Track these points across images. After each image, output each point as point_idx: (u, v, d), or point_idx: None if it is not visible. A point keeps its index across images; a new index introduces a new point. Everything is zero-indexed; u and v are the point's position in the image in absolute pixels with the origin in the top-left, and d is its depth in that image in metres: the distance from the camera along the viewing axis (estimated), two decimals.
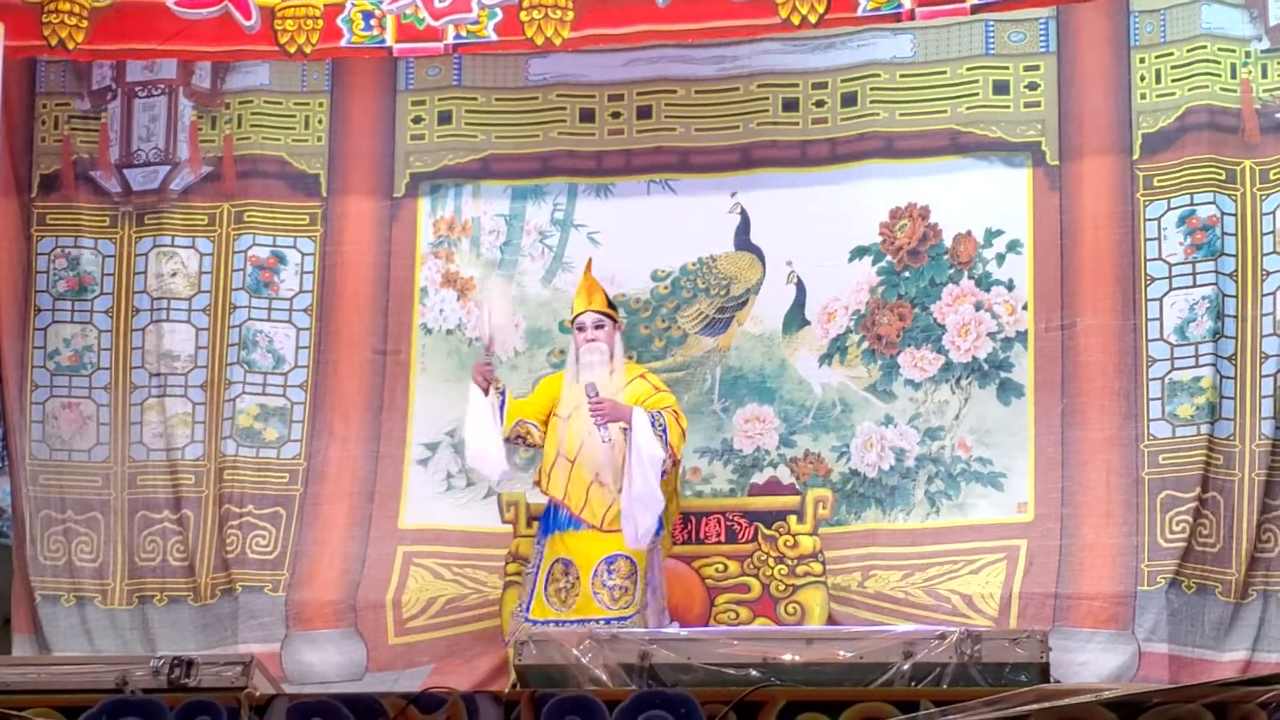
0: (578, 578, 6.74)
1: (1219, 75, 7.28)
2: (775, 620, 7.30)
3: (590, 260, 7.27)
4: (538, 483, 7.01)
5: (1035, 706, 4.72)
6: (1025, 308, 7.46)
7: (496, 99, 8.02)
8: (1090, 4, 7.38)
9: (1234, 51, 7.28)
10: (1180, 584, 6.95)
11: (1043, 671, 5.01)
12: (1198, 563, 7.00)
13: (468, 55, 7.86)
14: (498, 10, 7.06)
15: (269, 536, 7.69)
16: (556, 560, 6.80)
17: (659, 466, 6.68)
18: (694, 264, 7.85)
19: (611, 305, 7.13)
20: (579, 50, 7.47)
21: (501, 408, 6.93)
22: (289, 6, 7.15)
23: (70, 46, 7.19)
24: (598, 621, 6.55)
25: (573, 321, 7.11)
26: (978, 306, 7.53)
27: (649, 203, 7.90)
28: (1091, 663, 6.91)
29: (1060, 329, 7.37)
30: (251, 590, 7.57)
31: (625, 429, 6.75)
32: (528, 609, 6.81)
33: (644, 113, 7.94)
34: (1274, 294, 7.11)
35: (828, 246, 7.70)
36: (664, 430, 6.76)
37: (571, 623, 6.60)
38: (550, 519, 6.91)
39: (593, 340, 6.98)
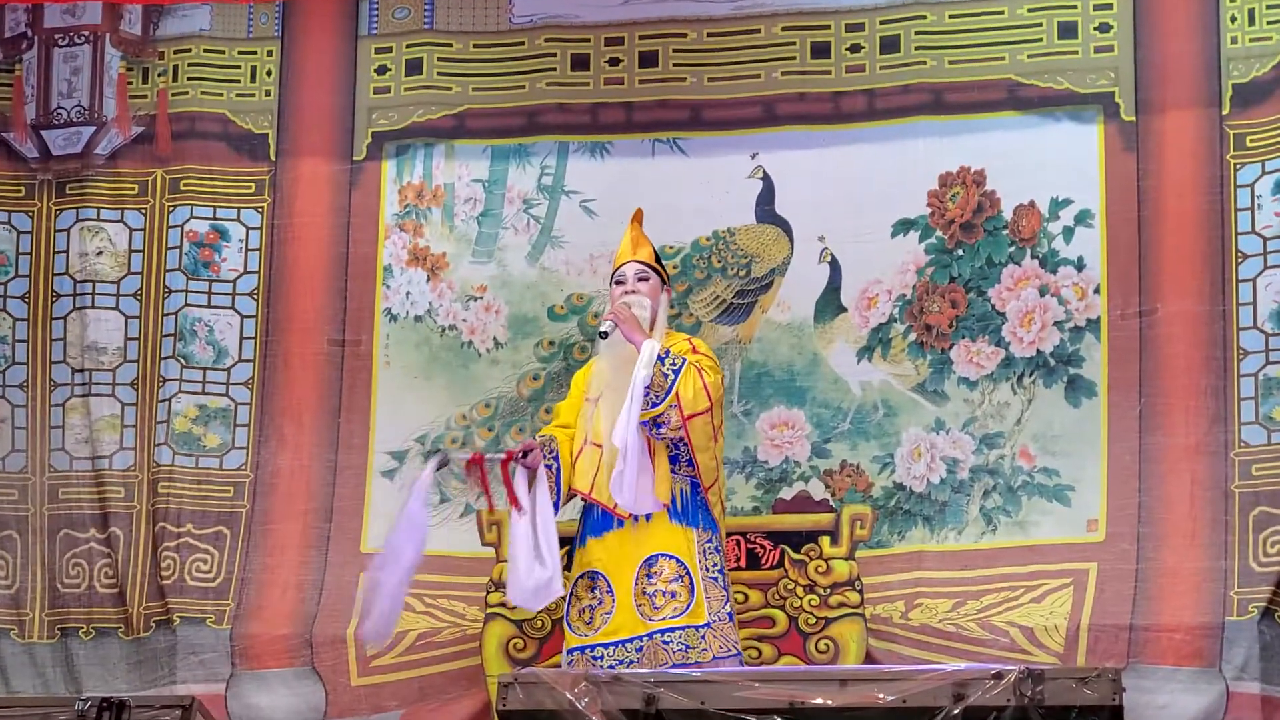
0: (608, 590, 6.69)
1: None
2: (804, 658, 7.38)
3: (639, 210, 7.23)
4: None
5: None
6: (1097, 291, 7.57)
7: (474, 44, 8.13)
8: None
9: None
10: (1275, 614, 7.03)
11: (1116, 715, 5.13)
12: None
13: None
14: None
15: (211, 560, 7.81)
16: (582, 574, 6.78)
17: (640, 392, 6.57)
18: (708, 239, 7.97)
19: (660, 263, 7.10)
20: None
21: (557, 481, 6.81)
22: None
23: None
24: (645, 639, 6.56)
25: (612, 277, 7.08)
26: (1042, 291, 7.65)
27: (654, 165, 8.01)
28: (1172, 705, 7.00)
29: (1138, 316, 7.47)
30: (191, 622, 7.68)
31: None
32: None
33: (648, 59, 8.05)
34: None
35: (866, 219, 7.80)
36: (675, 370, 6.65)
37: (592, 648, 6.63)
38: (584, 524, 6.87)
39: (633, 293, 6.93)
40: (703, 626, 6.63)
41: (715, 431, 6.83)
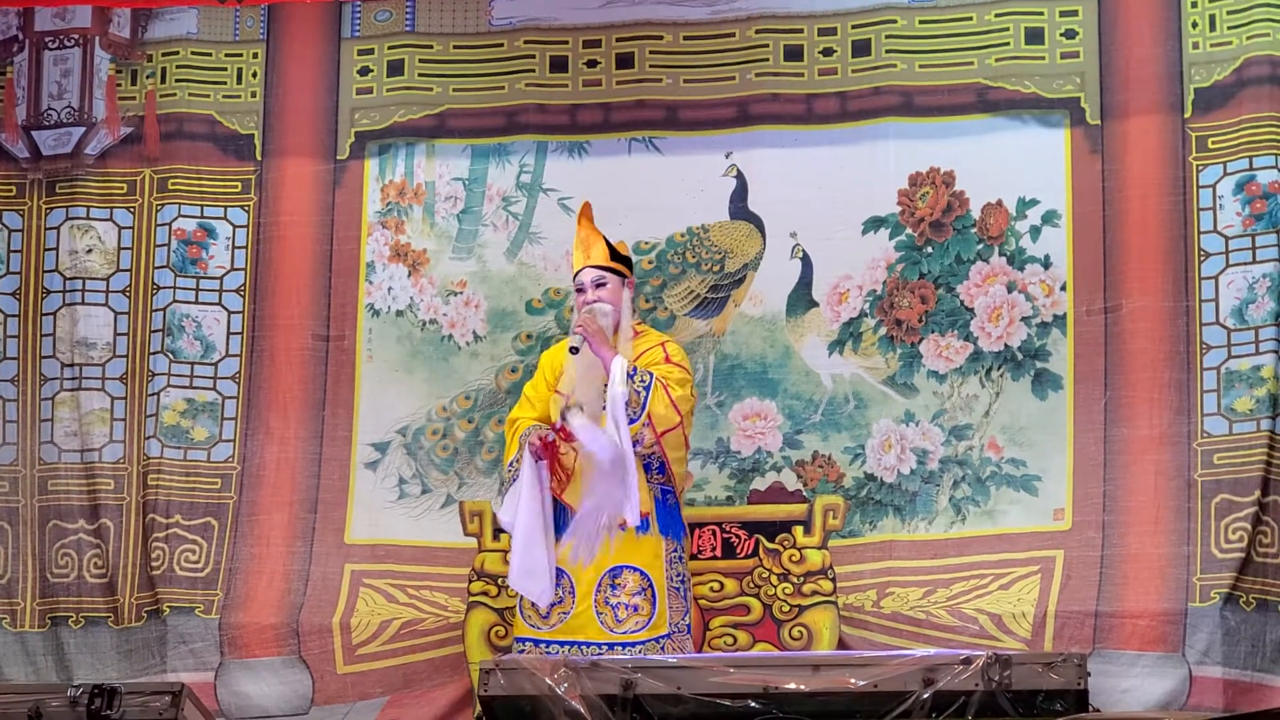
0: (570, 591, 6.68)
1: None
2: (778, 645, 7.42)
3: (586, 204, 7.21)
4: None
5: None
6: (1064, 288, 7.63)
7: (455, 46, 8.17)
8: None
9: None
10: (1237, 600, 7.09)
11: (1081, 699, 5.12)
12: (1258, 575, 7.14)
13: None
14: None
15: (199, 551, 7.84)
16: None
17: (623, 412, 6.57)
18: (683, 235, 8.01)
19: (619, 257, 7.04)
20: None
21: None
22: None
23: None
24: (596, 647, 6.57)
25: (574, 281, 7.08)
26: (1010, 287, 7.70)
27: (630, 164, 8.05)
28: (1136, 689, 7.06)
29: (1103, 312, 7.54)
30: (180, 612, 7.73)
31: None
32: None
33: (625, 61, 8.08)
34: None
35: (838, 216, 7.84)
36: (645, 387, 6.66)
37: (547, 643, 6.65)
38: (557, 521, 6.83)
39: (594, 302, 6.91)
40: (663, 638, 6.65)
41: (686, 440, 6.86)
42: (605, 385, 6.70)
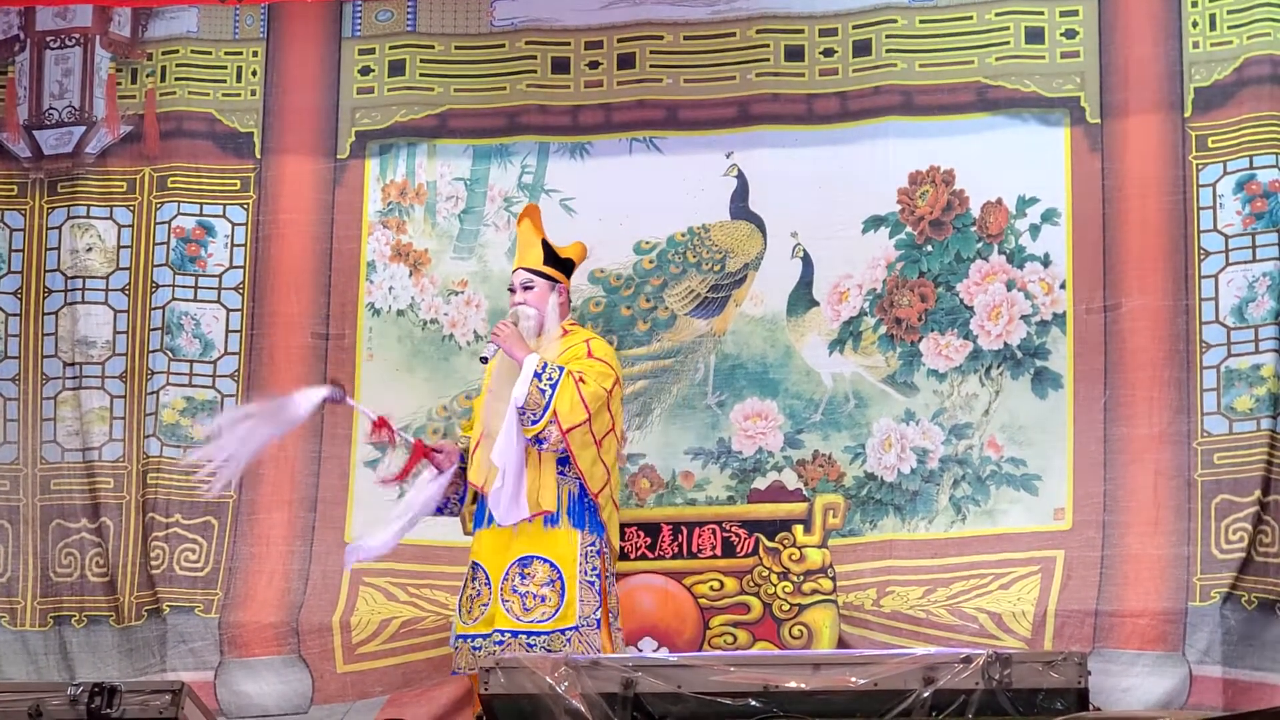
0: (486, 583, 6.69)
1: None
2: (778, 644, 7.44)
3: (528, 206, 7.23)
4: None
5: None
6: (1063, 287, 7.62)
7: (456, 46, 8.17)
8: None
9: None
10: (1238, 599, 7.09)
11: (1081, 698, 5.13)
12: (1258, 575, 7.14)
13: None
14: None
15: (199, 550, 7.84)
16: (470, 565, 6.78)
17: (513, 413, 6.56)
18: (684, 234, 8.01)
19: (556, 261, 6.96)
20: None
21: (463, 490, 6.87)
22: None
23: None
24: (508, 635, 6.56)
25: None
26: (1010, 285, 7.69)
27: (631, 164, 8.05)
28: (1136, 688, 7.06)
29: (1103, 311, 7.54)
30: (180, 611, 7.73)
31: None
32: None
33: (626, 61, 8.09)
34: None
35: (838, 215, 7.84)
36: (552, 385, 6.63)
37: (480, 636, 6.63)
38: (476, 515, 6.85)
39: (520, 304, 6.88)
40: (569, 629, 6.61)
41: (597, 440, 6.74)
42: None
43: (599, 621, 6.72)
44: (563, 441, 6.65)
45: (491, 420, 6.71)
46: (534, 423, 6.62)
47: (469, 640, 6.68)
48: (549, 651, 6.51)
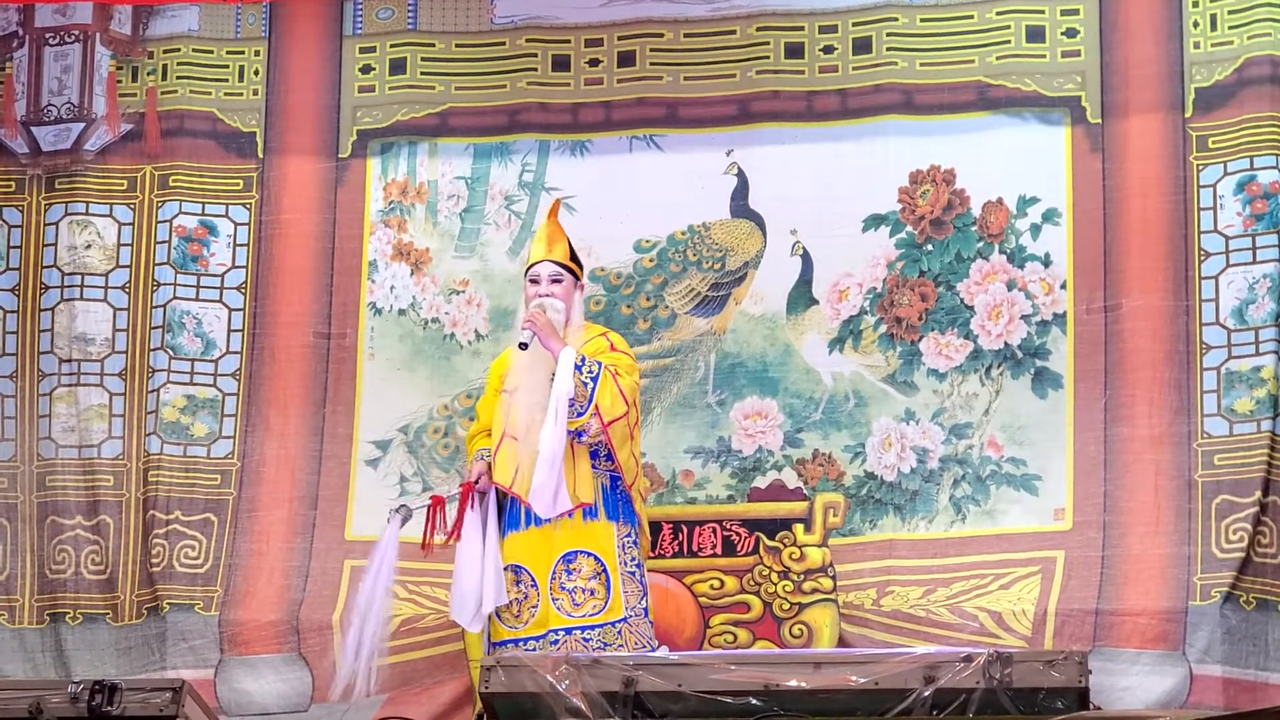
0: (533, 584, 6.71)
1: None
2: (778, 643, 7.43)
3: (557, 202, 7.32)
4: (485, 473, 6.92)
5: None
6: (1064, 287, 7.61)
7: (457, 44, 8.17)
8: None
9: None
10: (1237, 599, 7.09)
11: (1081, 697, 5.14)
12: (1257, 575, 7.13)
13: None
14: None
15: (199, 547, 7.82)
16: (508, 567, 6.76)
17: (564, 406, 6.60)
18: (684, 233, 8.00)
19: (576, 260, 7.08)
20: None
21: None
22: None
23: None
24: (562, 633, 6.59)
25: (526, 273, 7.08)
26: (1010, 285, 7.68)
27: (632, 162, 8.04)
28: (1137, 687, 7.05)
29: (1103, 311, 7.53)
30: (180, 608, 7.70)
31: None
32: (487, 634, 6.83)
33: (626, 59, 8.08)
34: None
35: (838, 214, 7.83)
36: (593, 378, 6.69)
37: (533, 639, 6.65)
38: (505, 517, 6.85)
39: (547, 295, 6.91)
40: (619, 622, 6.66)
41: (631, 430, 6.85)
42: (552, 377, 6.73)
43: (645, 610, 6.77)
44: (603, 434, 6.71)
45: (518, 416, 6.74)
46: (578, 415, 6.66)
47: (521, 645, 6.67)
48: (605, 645, 6.56)
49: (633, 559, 6.78)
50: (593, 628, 6.62)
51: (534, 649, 6.65)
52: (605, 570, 6.69)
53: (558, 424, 6.62)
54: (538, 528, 6.72)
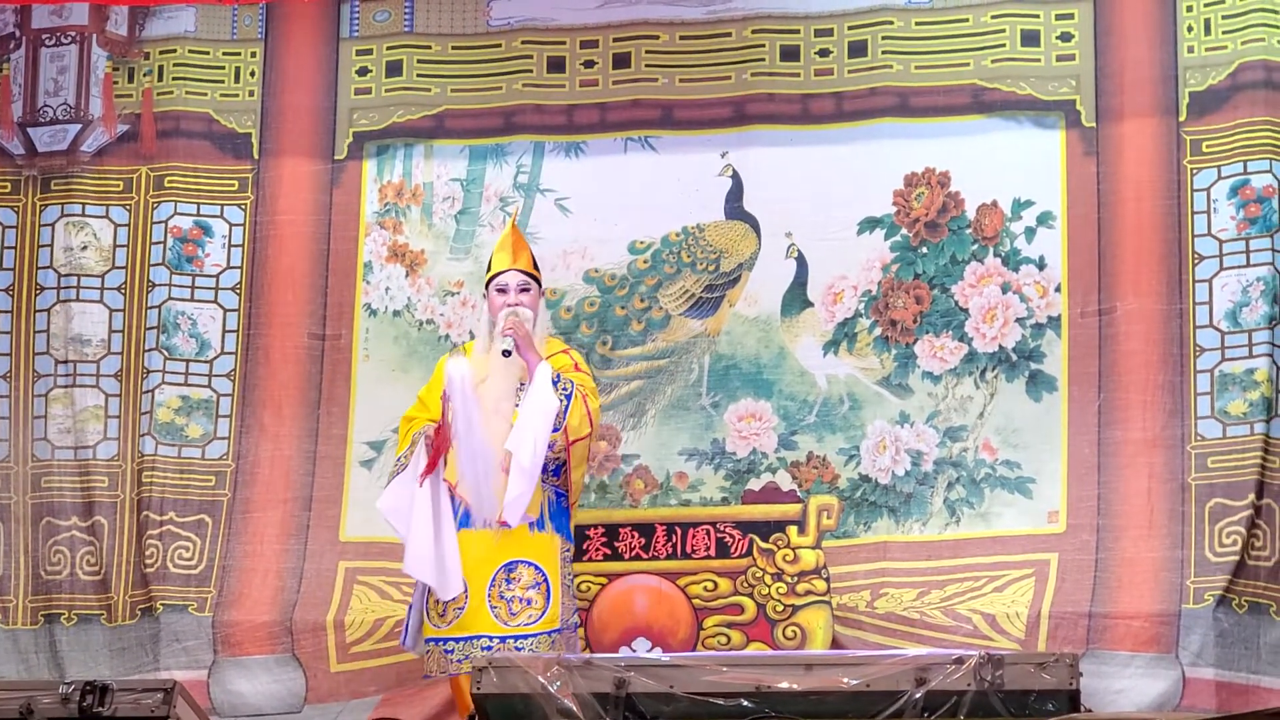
0: (464, 588, 6.65)
1: (1277, 27, 7.43)
2: (771, 645, 7.43)
3: (516, 211, 7.38)
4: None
5: None
6: (1058, 290, 7.62)
7: (453, 47, 8.18)
8: None
9: None
10: (1231, 602, 7.10)
11: (1073, 700, 5.12)
12: (1251, 578, 7.14)
13: None
14: None
15: (193, 548, 7.83)
16: None
17: (550, 421, 6.61)
18: (678, 234, 8.00)
19: (537, 267, 7.07)
20: None
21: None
22: None
23: None
24: (496, 640, 6.55)
25: (489, 282, 7.03)
26: (1005, 288, 7.69)
27: (626, 163, 8.05)
28: (1129, 690, 7.06)
29: (1097, 314, 7.54)
30: (174, 609, 7.71)
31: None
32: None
33: (621, 61, 8.09)
34: None
35: (833, 216, 7.84)
36: (567, 396, 6.70)
37: (454, 640, 6.61)
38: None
39: (516, 305, 6.88)
40: (554, 633, 6.66)
41: (587, 452, 6.87)
42: (519, 387, 6.74)
43: (575, 625, 6.82)
44: (565, 451, 6.72)
45: (489, 426, 6.68)
46: (552, 431, 6.68)
47: (440, 644, 6.67)
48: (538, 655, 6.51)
49: (569, 574, 6.82)
50: (526, 637, 6.61)
51: (452, 650, 6.63)
52: (546, 581, 6.67)
53: (542, 434, 6.62)
54: (481, 531, 6.69)
